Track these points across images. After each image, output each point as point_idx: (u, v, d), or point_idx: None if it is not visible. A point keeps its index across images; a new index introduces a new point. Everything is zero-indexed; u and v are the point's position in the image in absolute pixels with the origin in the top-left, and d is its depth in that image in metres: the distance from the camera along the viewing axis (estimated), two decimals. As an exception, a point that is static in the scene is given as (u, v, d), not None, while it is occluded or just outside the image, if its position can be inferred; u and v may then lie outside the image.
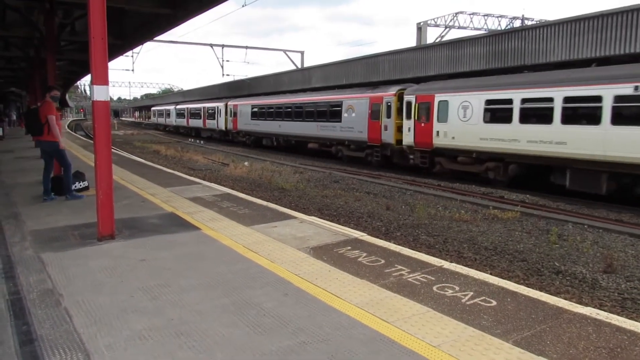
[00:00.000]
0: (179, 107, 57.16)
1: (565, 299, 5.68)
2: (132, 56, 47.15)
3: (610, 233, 10.11)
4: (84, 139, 36.59)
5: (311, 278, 5.08)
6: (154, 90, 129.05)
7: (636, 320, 4.93)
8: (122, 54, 25.73)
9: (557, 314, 4.15)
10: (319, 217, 9.20)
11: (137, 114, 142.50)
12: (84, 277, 5.14)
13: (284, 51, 46.70)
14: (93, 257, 5.84)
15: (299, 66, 45.67)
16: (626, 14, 15.88)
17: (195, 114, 49.51)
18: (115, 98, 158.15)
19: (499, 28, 40.71)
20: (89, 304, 4.43)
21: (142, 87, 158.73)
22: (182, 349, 3.59)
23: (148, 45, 44.44)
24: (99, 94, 6.34)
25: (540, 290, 5.60)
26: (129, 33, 17.89)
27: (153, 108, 73.91)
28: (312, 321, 4.06)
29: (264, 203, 9.51)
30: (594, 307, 4.83)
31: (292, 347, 3.61)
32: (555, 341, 3.65)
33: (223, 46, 44.79)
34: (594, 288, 7.11)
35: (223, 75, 46.39)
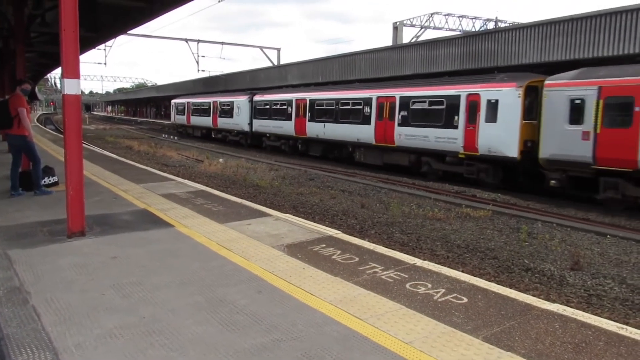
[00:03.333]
0: (236, 99, 34.39)
1: (534, 295, 5.82)
2: (105, 49, 46.02)
3: (577, 231, 10.39)
4: (54, 133, 35.72)
5: (285, 275, 5.08)
6: (127, 85, 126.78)
7: (600, 316, 5.08)
8: (94, 47, 25.19)
9: (526, 310, 4.26)
10: (294, 215, 9.21)
11: (109, 108, 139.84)
12: (52, 275, 5.03)
13: (261, 48, 46.44)
14: (62, 254, 5.71)
15: (276, 63, 45.49)
16: (595, 19, 16.31)
17: (278, 111, 29.20)
18: (86, 92, 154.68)
19: (473, 29, 41.33)
20: (58, 302, 4.34)
21: (115, 81, 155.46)
22: (154, 347, 3.55)
23: (122, 38, 43.73)
24: (70, 87, 6.21)
25: (510, 287, 5.73)
26: (102, 26, 17.51)
27: (175, 101, 47.60)
28: (286, 319, 4.07)
29: (239, 200, 9.46)
30: (561, 304, 4.97)
31: (265, 345, 3.61)
32: (523, 337, 3.74)
33: (199, 41, 44.26)
34: (562, 285, 7.31)
35: (198, 70, 45.89)
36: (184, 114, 43.92)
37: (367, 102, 21.78)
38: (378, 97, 21.17)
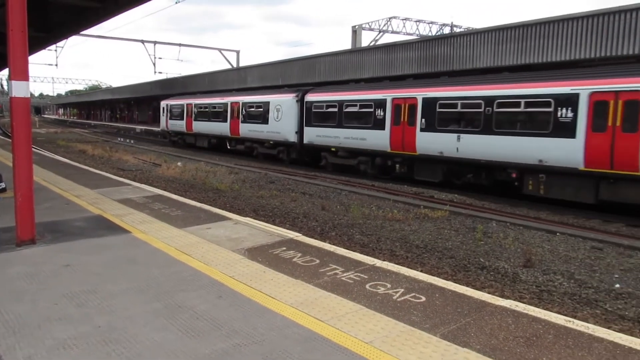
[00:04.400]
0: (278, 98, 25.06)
1: (489, 292, 6.02)
2: (57, 50, 44.44)
3: (529, 230, 10.78)
4: (2, 137, 34.18)
5: (246, 279, 5.06)
6: (80, 87, 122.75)
7: (551, 311, 5.30)
8: (45, 48, 24.32)
9: (481, 307, 4.40)
10: (254, 218, 9.16)
11: (61, 111, 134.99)
12: (1, 285, 4.82)
13: (219, 50, 45.96)
14: (11, 264, 5.49)
15: (235, 65, 45.12)
16: (544, 25, 17.01)
17: (354, 116, 20.42)
18: (36, 94, 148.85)
19: (430, 34, 42.27)
20: (7, 314, 4.16)
21: (66, 83, 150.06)
22: (110, 357, 3.47)
23: (74, 39, 42.16)
24: (18, 89, 5.98)
25: (467, 285, 5.90)
26: (53, 25, 16.94)
27: (167, 103, 37.04)
28: (247, 323, 4.05)
29: (198, 204, 9.34)
30: (514, 300, 5.15)
31: (226, 350, 3.59)
32: (478, 333, 3.87)
33: (155, 43, 43.39)
34: (515, 282, 7.56)
35: (155, 72, 44.94)
36: (181, 119, 34.16)
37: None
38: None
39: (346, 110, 20.46)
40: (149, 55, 43.29)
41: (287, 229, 8.41)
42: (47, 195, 9.79)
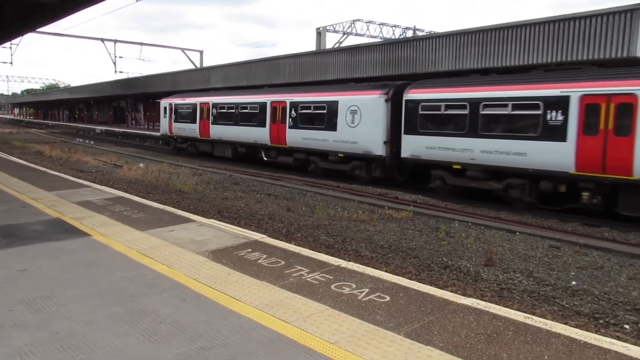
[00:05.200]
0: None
1: (452, 291, 6.14)
2: (11, 47, 42.69)
3: (490, 229, 11.06)
4: (-49, 137, 32.66)
5: (210, 282, 5.00)
6: (36, 86, 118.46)
7: (511, 308, 5.46)
8: (-2, 45, 23.33)
9: (444, 305, 4.48)
10: (219, 220, 9.07)
11: (16, 110, 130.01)
12: (-49, 292, 4.61)
13: (182, 49, 45.25)
14: (-38, 269, 5.24)
15: (198, 65, 44.52)
16: (503, 31, 17.48)
17: (497, 121, 14.32)
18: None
19: (393, 37, 42.84)
20: (-43, 322, 3.98)
21: (22, 81, 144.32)
22: (68, 364, 3.36)
23: (31, 36, 40.68)
24: (-30, 88, 5.72)
25: (430, 285, 6.00)
26: (7, 22, 16.31)
27: (169, 102, 30.89)
28: (211, 326, 4.00)
29: (161, 206, 9.16)
30: (475, 298, 5.28)
31: (189, 353, 3.53)
32: (441, 331, 3.94)
33: (116, 41, 42.33)
34: (477, 280, 7.74)
35: (116, 72, 43.82)
36: (192, 121, 27.86)
37: None
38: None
39: (484, 112, 14.37)
40: (109, 54, 42.20)
41: (253, 230, 8.35)
42: (2, 198, 9.41)
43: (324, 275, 5.27)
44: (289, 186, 16.98)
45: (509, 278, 7.73)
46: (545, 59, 16.28)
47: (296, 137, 20.76)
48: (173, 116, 29.97)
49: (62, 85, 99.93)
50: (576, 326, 5.43)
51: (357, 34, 42.97)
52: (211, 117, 26.36)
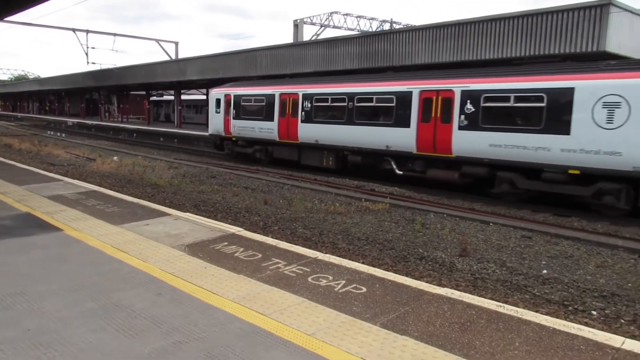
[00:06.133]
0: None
1: (427, 282, 6.23)
2: (-23, 37, 41.39)
3: (465, 220, 11.23)
4: None
5: (186, 276, 4.97)
6: (4, 77, 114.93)
7: (484, 297, 5.57)
8: (-37, 34, 22.57)
9: (419, 295, 4.55)
10: (195, 214, 9.00)
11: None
12: None
13: (157, 41, 44.46)
14: None
15: (173, 57, 43.87)
16: (479, 24, 17.70)
17: None
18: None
19: (370, 30, 42.89)
20: None
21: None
22: (41, 361, 3.31)
23: (-4, 25, 39.39)
24: None
25: (406, 276, 6.08)
26: (-28, 10, 15.77)
27: (228, 91, 23.62)
28: (188, 319, 3.98)
29: (135, 200, 9.04)
30: (450, 288, 5.37)
31: (166, 348, 3.51)
32: (416, 320, 4.00)
33: (88, 32, 41.34)
34: (452, 270, 7.86)
35: (88, 63, 42.81)
36: (266, 119, 21.31)
37: None
38: None
39: None
40: (81, 44, 41.17)
41: (229, 224, 8.31)
42: (-31, 192, 9.15)
43: (301, 267, 5.29)
44: (266, 179, 16.93)
45: (482, 268, 7.88)
46: (519, 52, 16.56)
47: (475, 142, 14.15)
48: (232, 111, 22.91)
49: (31, 77, 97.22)
50: (547, 313, 5.57)
51: (334, 27, 42.87)
52: (301, 113, 19.57)
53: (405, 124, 15.93)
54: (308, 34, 43.46)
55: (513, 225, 10.65)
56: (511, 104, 13.57)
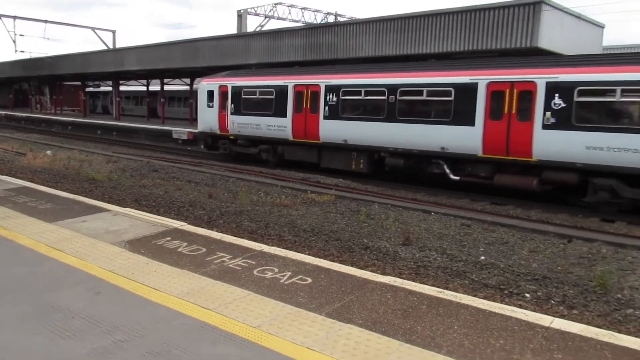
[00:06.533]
0: None
1: (372, 271, 6.36)
2: None
3: (408, 210, 11.53)
4: None
5: (127, 273, 4.82)
6: None
7: (426, 284, 5.76)
8: None
9: (363, 284, 4.64)
10: (136, 209, 8.74)
11: None
12: None
13: (93, 29, 42.52)
14: None
15: (111, 46, 42.10)
16: (421, 18, 18.09)
17: None
18: None
19: (315, 22, 42.91)
20: None
21: None
22: (-32, 367, 3.12)
23: None
24: None
25: (351, 266, 6.18)
26: None
27: (220, 82, 20.48)
28: (129, 317, 3.87)
29: (71, 196, 8.66)
30: (393, 276, 5.51)
31: (106, 347, 3.40)
32: (360, 309, 4.09)
33: (15, 18, 38.89)
34: (395, 259, 8.07)
35: (16, 51, 40.32)
36: (276, 115, 18.25)
37: None
38: None
39: None
40: (8, 31, 38.72)
41: (172, 218, 8.14)
42: None
43: (247, 260, 5.26)
44: (210, 172, 16.65)
45: (424, 256, 8.13)
46: (459, 47, 17.08)
47: (567, 144, 11.73)
48: (230, 105, 19.68)
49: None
50: (484, 297, 5.83)
51: (279, 18, 42.54)
52: (324, 108, 16.65)
53: (468, 121, 13.25)
54: (252, 25, 42.88)
55: (453, 214, 11.03)
56: (618, 98, 11.15)
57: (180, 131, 27.62)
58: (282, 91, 17.90)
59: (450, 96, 13.70)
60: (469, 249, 8.50)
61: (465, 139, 13.34)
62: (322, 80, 16.86)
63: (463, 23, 16.86)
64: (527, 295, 6.46)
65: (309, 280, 4.72)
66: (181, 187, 13.75)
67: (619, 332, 5.04)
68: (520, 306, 5.64)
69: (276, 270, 4.99)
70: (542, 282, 6.87)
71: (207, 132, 21.09)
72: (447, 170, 14.11)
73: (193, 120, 36.31)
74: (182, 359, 3.30)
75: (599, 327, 4.97)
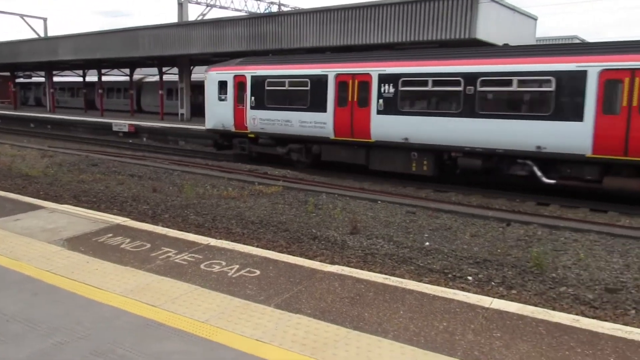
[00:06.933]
0: None
1: (320, 261, 6.43)
2: None
3: (355, 199, 11.68)
4: None
5: (66, 272, 4.62)
6: None
7: (373, 271, 5.88)
8: None
9: (312, 274, 4.68)
10: (75, 205, 8.38)
11: None
12: None
13: (21, 16, 40.07)
14: None
15: (42, 34, 39.85)
16: (363, 9, 18.27)
17: None
18: None
19: (258, 11, 42.35)
20: None
21: None
22: None
23: None
24: None
25: (300, 256, 6.21)
26: None
27: (241, 71, 17.29)
28: (69, 318, 3.72)
29: (2, 193, 8.19)
30: (341, 265, 5.59)
31: (45, 351, 3.26)
32: (309, 298, 4.12)
33: None
34: (344, 248, 8.17)
35: None
36: (310, 109, 15.70)
37: None
38: None
39: None
40: None
41: (115, 214, 7.87)
42: None
43: (193, 255, 5.17)
44: (153, 165, 16.18)
45: (372, 244, 8.28)
46: (400, 38, 17.40)
47: None
48: (250, 98, 16.90)
49: None
50: (429, 282, 6.03)
51: (221, 7, 41.64)
52: (377, 102, 14.27)
53: (574, 116, 11.50)
54: (193, 13, 41.81)
55: (399, 202, 11.29)
56: None
57: (121, 123, 26.67)
58: (319, 81, 15.25)
59: (550, 87, 11.79)
60: (415, 236, 8.73)
61: (571, 136, 11.53)
62: (375, 69, 14.33)
63: (405, 14, 17.18)
64: (470, 278, 6.72)
65: (258, 272, 4.71)
66: (123, 181, 13.29)
67: (554, 309, 5.36)
68: (463, 289, 5.87)
69: (224, 263, 4.93)
70: (483, 264, 7.17)
71: (217, 129, 18.01)
72: (538, 173, 12.29)
73: (134, 112, 35.15)
74: (128, 357, 3.21)
75: (535, 305, 5.26)
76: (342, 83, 14.89)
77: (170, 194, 11.80)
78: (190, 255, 5.17)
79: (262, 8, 43.18)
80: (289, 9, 40.45)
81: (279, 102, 16.31)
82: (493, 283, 6.57)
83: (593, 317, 5.08)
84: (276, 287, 4.36)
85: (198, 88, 33.10)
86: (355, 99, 14.61)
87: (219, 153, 18.01)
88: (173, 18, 40.19)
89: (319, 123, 15.34)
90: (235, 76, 17.32)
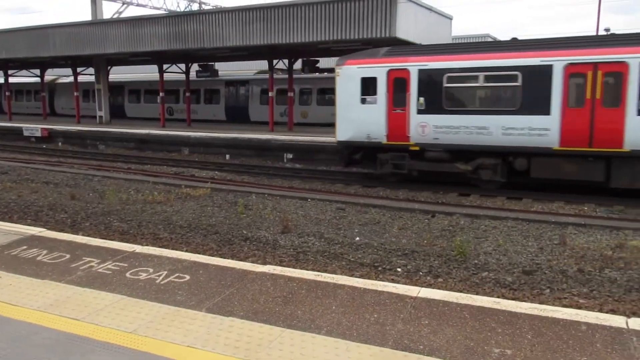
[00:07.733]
0: None
1: (252, 262, 6.38)
2: None
3: (285, 199, 11.69)
4: None
5: (-25, 290, 4.27)
6: None
7: (306, 269, 5.93)
8: None
9: (243, 276, 4.63)
10: (-17, 218, 7.74)
11: None
12: None
13: None
14: None
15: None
16: (286, 9, 18.26)
17: None
18: None
19: (178, 9, 41.15)
20: None
21: None
22: None
23: None
24: None
25: (231, 258, 6.14)
26: None
27: (411, 64, 12.80)
28: (-20, 340, 3.44)
29: None
30: (273, 265, 5.58)
31: (-48, 377, 3.00)
32: (241, 300, 4.08)
33: None
34: (275, 248, 8.16)
35: None
36: (519, 111, 11.89)
37: None
38: None
39: None
40: None
41: (29, 225, 7.35)
42: None
43: (118, 263, 4.95)
44: (71, 172, 15.31)
45: (303, 242, 8.33)
46: (323, 36, 17.58)
47: None
48: (418, 100, 12.93)
49: None
50: (360, 276, 6.17)
51: (138, 5, 40.04)
52: (638, 100, 10.92)
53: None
54: (108, 11, 39.91)
55: (329, 199, 11.43)
56: None
57: (33, 128, 24.97)
58: (538, 74, 11.80)
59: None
60: (345, 231, 8.88)
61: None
62: (632, 55, 10.84)
63: (327, 14, 17.37)
64: (399, 269, 6.94)
65: (187, 277, 4.59)
66: (37, 189, 12.46)
67: (477, 293, 5.67)
68: (392, 280, 6.06)
69: (151, 270, 4.77)
70: (411, 256, 7.43)
71: (357, 141, 13.77)
72: None
73: (47, 115, 33.01)
74: (49, 376, 3.03)
75: (460, 291, 5.54)
76: (573, 75, 11.54)
77: (91, 201, 11.22)
78: (114, 263, 4.94)
79: (182, 6, 42.02)
80: (210, 7, 39.63)
81: (467, 103, 12.81)
82: (421, 273, 6.83)
83: (512, 299, 5.41)
84: (207, 291, 4.28)
85: (117, 89, 31.75)
86: (597, 97, 11.30)
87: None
88: (87, 16, 38.13)
89: (536, 129, 11.84)
90: (390, 71, 13.25)
